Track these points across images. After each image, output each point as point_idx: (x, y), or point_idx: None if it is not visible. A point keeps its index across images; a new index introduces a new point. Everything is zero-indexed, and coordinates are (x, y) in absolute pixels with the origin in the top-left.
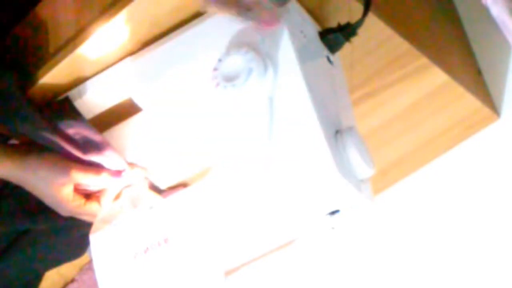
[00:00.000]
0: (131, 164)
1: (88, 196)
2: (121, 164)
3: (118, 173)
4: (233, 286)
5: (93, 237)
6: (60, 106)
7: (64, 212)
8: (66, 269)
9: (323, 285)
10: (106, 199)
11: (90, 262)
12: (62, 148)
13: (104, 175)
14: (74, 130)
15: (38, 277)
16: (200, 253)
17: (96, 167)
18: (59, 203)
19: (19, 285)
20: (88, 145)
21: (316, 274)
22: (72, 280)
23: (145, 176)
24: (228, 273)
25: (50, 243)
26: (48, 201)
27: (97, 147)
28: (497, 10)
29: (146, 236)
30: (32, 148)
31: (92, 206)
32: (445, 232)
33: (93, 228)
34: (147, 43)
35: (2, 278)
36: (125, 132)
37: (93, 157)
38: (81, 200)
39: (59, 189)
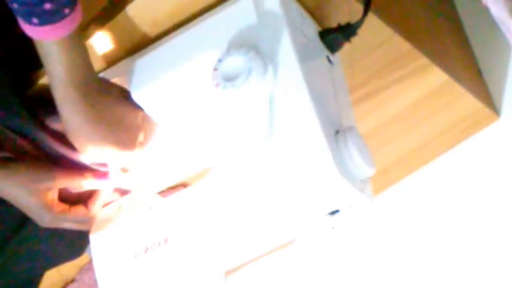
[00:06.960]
0: (124, 170)
1: (73, 203)
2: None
3: (104, 175)
4: (233, 286)
5: (93, 237)
6: (48, 101)
7: (47, 220)
8: (66, 269)
9: (323, 285)
10: (94, 203)
11: (90, 262)
12: (49, 145)
13: (89, 177)
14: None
15: (38, 277)
16: (200, 253)
17: (80, 170)
18: (42, 209)
19: (19, 285)
20: None
21: (316, 274)
22: (72, 280)
23: (144, 178)
24: (228, 273)
25: (50, 243)
26: (30, 210)
27: None
28: (497, 10)
29: (146, 236)
30: (12, 156)
31: (78, 210)
32: (445, 232)
33: (93, 228)
34: (147, 43)
35: (2, 278)
36: None
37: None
38: (65, 206)
39: (44, 193)
